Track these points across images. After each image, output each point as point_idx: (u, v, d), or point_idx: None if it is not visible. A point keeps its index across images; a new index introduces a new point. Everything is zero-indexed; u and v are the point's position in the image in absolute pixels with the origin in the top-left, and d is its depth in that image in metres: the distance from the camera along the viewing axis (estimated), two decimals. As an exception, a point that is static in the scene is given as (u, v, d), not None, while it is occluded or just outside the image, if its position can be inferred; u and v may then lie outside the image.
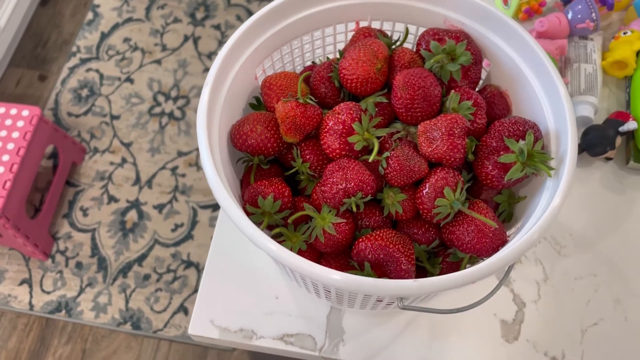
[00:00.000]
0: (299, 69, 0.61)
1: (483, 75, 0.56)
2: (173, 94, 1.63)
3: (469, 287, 0.56)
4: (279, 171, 0.54)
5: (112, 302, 1.37)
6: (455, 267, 0.49)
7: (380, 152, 0.49)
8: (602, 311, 0.59)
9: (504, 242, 0.47)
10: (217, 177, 0.44)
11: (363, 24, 0.57)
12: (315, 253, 0.51)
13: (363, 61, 0.50)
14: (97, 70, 1.68)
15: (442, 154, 0.47)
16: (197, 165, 1.53)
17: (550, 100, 0.49)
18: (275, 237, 0.50)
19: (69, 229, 1.45)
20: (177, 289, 1.38)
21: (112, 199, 1.49)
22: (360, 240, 0.47)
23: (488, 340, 0.58)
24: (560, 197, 0.43)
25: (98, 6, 1.79)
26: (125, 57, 1.69)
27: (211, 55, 1.69)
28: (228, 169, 0.50)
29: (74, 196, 1.50)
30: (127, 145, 1.56)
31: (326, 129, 0.49)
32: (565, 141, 0.46)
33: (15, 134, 1.28)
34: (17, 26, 1.71)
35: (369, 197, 0.48)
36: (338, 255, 0.51)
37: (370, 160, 0.48)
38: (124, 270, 1.40)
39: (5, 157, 1.26)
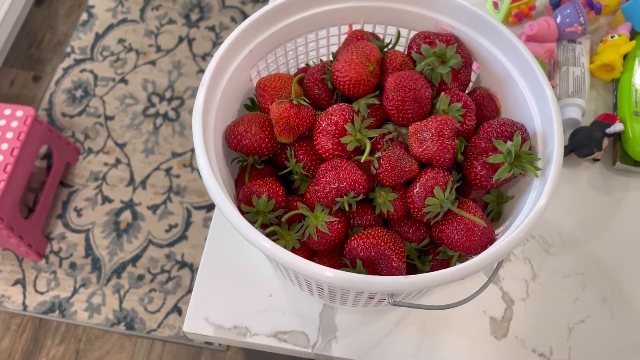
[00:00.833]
0: (293, 71, 0.62)
1: (473, 77, 0.58)
2: (167, 95, 1.64)
3: (460, 285, 0.58)
4: (273, 171, 0.55)
5: (106, 302, 1.37)
6: (445, 264, 0.51)
7: (372, 153, 0.50)
8: (589, 309, 0.60)
9: (492, 240, 0.48)
10: (212, 176, 0.45)
11: (356, 27, 0.59)
12: (308, 251, 0.52)
13: (356, 63, 0.52)
14: (91, 71, 1.68)
15: (432, 155, 0.48)
16: (191, 166, 1.54)
17: (538, 102, 0.50)
18: (269, 236, 0.52)
19: (62, 229, 1.46)
20: (171, 290, 1.38)
21: (106, 199, 1.50)
22: (353, 238, 0.48)
23: (478, 337, 0.59)
24: (547, 197, 0.44)
25: (92, 7, 1.79)
26: (119, 58, 1.70)
27: (206, 57, 1.70)
28: (223, 168, 0.51)
29: (68, 197, 1.50)
30: (122, 146, 1.57)
31: (319, 130, 0.50)
32: (551, 142, 0.47)
33: (9, 135, 1.28)
34: (11, 26, 1.71)
35: (361, 197, 0.49)
36: (331, 253, 0.52)
37: (362, 161, 0.49)
38: (118, 271, 1.41)
39: (-1, 158, 1.26)
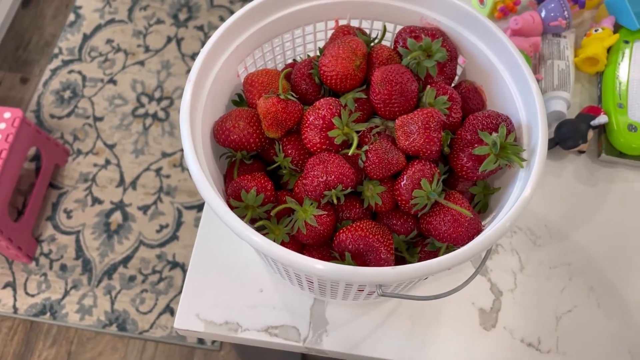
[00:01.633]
0: (280, 67, 0.62)
1: (459, 71, 0.58)
2: (157, 95, 1.63)
3: (449, 276, 0.58)
4: (262, 166, 0.56)
5: (98, 304, 1.36)
6: (433, 256, 0.51)
7: (359, 146, 0.51)
8: (576, 298, 0.61)
9: (479, 231, 0.48)
10: (200, 172, 0.45)
11: (342, 22, 0.59)
12: (297, 245, 0.52)
13: (342, 58, 0.52)
14: (79, 72, 1.67)
15: (418, 147, 0.49)
16: (181, 166, 1.53)
17: (522, 95, 0.51)
18: (258, 230, 0.52)
19: (52, 231, 1.45)
20: (162, 290, 1.38)
21: (96, 200, 1.49)
22: (341, 231, 0.48)
23: (467, 329, 0.59)
24: (531, 187, 0.45)
25: (80, 7, 1.78)
26: (107, 59, 1.69)
27: (194, 56, 1.70)
28: (211, 164, 0.51)
29: (58, 198, 1.49)
30: (111, 147, 1.56)
31: (307, 124, 0.50)
32: (536, 133, 0.48)
33: (-3, 136, 1.28)
34: (-3, 28, 1.70)
35: (349, 190, 0.49)
36: (320, 246, 0.52)
37: (350, 154, 0.49)
38: (109, 272, 1.40)
39: (-13, 159, 1.25)
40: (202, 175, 0.44)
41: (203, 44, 1.72)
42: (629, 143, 0.64)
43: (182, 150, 1.54)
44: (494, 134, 0.48)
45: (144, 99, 1.63)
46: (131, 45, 1.71)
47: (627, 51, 0.70)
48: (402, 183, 0.49)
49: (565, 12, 0.69)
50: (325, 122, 0.49)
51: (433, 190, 0.48)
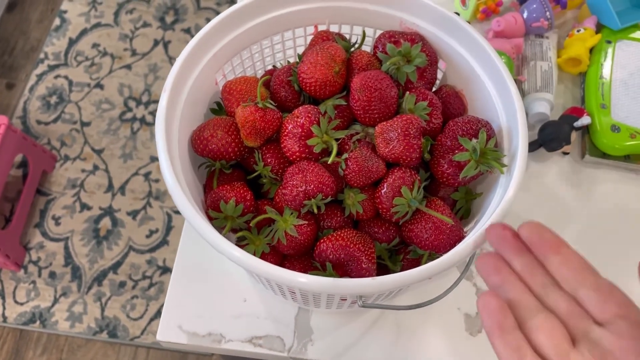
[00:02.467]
0: (260, 73, 0.62)
1: (440, 75, 0.58)
2: (144, 99, 1.62)
3: (435, 282, 0.58)
4: (242, 175, 0.55)
5: (88, 311, 1.36)
6: (416, 263, 0.51)
7: (339, 154, 0.50)
8: (561, 301, 0.61)
9: (460, 238, 0.48)
10: (176, 183, 0.44)
11: (322, 27, 0.58)
12: (278, 255, 0.52)
13: (321, 65, 0.51)
14: (65, 77, 1.66)
15: (398, 154, 0.48)
16: (170, 170, 1.52)
17: (502, 99, 0.50)
18: (239, 240, 0.51)
19: (41, 238, 1.44)
20: (153, 296, 1.37)
21: (84, 206, 1.48)
22: (322, 241, 0.48)
23: (453, 334, 0.59)
24: (512, 192, 0.44)
25: (65, 12, 1.77)
26: (94, 63, 1.68)
27: (182, 59, 1.69)
28: (190, 174, 0.50)
29: (46, 205, 1.48)
30: (99, 152, 1.55)
31: (286, 133, 0.50)
32: (516, 138, 0.47)
33: (-18, 144, 1.26)
34: (-19, 34, 1.68)
35: (329, 199, 0.49)
36: (301, 256, 0.51)
37: (329, 162, 0.48)
38: (99, 279, 1.39)
39: (-28, 168, 1.24)
40: (178, 187, 0.44)
41: (190, 46, 1.70)
42: (612, 144, 0.64)
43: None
44: (474, 140, 0.47)
45: (132, 103, 1.62)
46: (118, 49, 1.70)
47: (609, 51, 0.70)
48: (383, 191, 0.48)
49: (547, 13, 0.69)
50: (304, 131, 0.49)
51: (414, 198, 0.48)
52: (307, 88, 0.52)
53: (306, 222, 0.49)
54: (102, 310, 1.36)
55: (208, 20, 1.75)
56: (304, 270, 0.51)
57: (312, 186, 0.47)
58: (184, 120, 0.51)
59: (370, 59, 0.54)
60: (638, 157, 0.66)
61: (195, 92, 0.52)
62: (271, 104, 0.51)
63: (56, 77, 1.66)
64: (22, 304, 1.37)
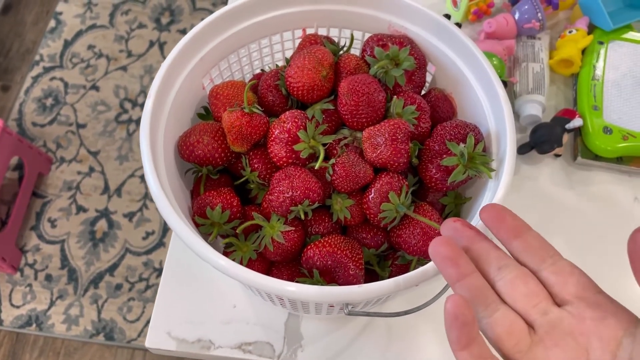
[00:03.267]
0: (248, 78, 0.61)
1: (429, 78, 0.57)
2: (140, 100, 1.62)
3: (426, 286, 0.57)
4: (229, 181, 0.54)
5: (84, 313, 1.35)
6: (405, 269, 0.50)
7: (327, 159, 0.50)
8: (553, 305, 0.60)
9: (448, 243, 0.47)
10: (160, 190, 0.44)
11: (310, 31, 0.58)
12: (266, 262, 0.51)
13: (308, 69, 0.51)
14: (61, 79, 1.65)
15: (386, 159, 0.48)
16: (166, 171, 1.52)
17: (491, 102, 0.50)
18: (226, 247, 0.51)
19: (37, 241, 1.43)
20: (150, 298, 1.37)
21: (80, 209, 1.47)
22: (309, 247, 0.47)
23: (445, 339, 0.58)
24: (500, 195, 0.44)
25: (60, 13, 1.76)
26: (90, 65, 1.67)
27: (178, 60, 1.68)
28: (176, 180, 0.50)
29: (42, 207, 1.47)
30: (95, 154, 1.54)
31: (272, 138, 0.49)
32: (504, 142, 0.47)
33: (-24, 147, 1.26)
34: (-24, 36, 1.68)
35: (316, 204, 0.48)
36: (288, 263, 0.51)
37: (316, 168, 0.48)
38: (95, 281, 1.39)
39: (-34, 171, 1.23)
40: (162, 193, 0.43)
41: (186, 47, 1.70)
42: (604, 146, 0.64)
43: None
44: (462, 145, 0.47)
45: (127, 105, 1.61)
46: (113, 50, 1.70)
47: (601, 52, 0.69)
48: (370, 196, 0.48)
49: (539, 14, 0.68)
50: (291, 136, 0.48)
51: (401, 203, 0.47)
52: (295, 92, 0.52)
53: (293, 228, 0.49)
54: (99, 312, 1.36)
55: (204, 21, 1.75)
56: (292, 277, 0.50)
57: (298, 192, 0.47)
58: (170, 125, 0.50)
59: (359, 63, 0.54)
60: (630, 159, 0.66)
61: (181, 96, 0.52)
62: (258, 108, 0.50)
63: (52, 79, 1.66)
64: (18, 307, 1.36)
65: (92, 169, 1.52)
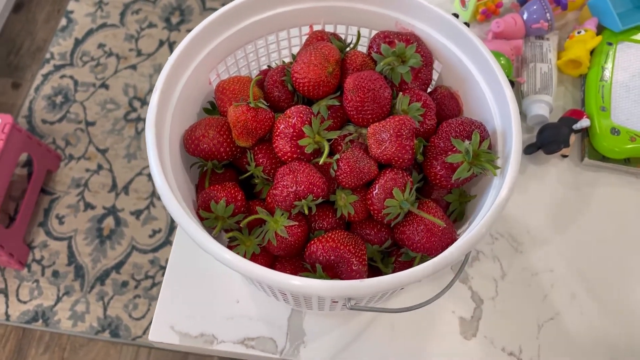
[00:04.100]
0: (254, 73, 0.61)
1: (435, 76, 0.57)
2: (149, 99, 1.62)
3: (430, 284, 0.57)
4: (234, 175, 0.55)
5: (90, 310, 1.36)
6: (408, 266, 0.50)
7: (332, 154, 0.50)
8: (558, 306, 0.60)
9: (452, 240, 0.47)
10: (166, 184, 0.44)
11: (317, 27, 0.58)
12: (269, 256, 0.51)
13: (314, 65, 0.51)
14: (71, 77, 1.67)
15: (391, 155, 0.48)
16: (173, 170, 1.53)
17: (497, 100, 0.50)
18: (230, 241, 0.51)
19: (44, 237, 1.44)
20: (155, 296, 1.37)
21: (88, 206, 1.48)
22: (312, 242, 0.47)
23: (447, 337, 0.58)
24: (504, 194, 0.44)
25: (72, 12, 1.78)
26: (99, 63, 1.69)
27: (187, 60, 1.69)
28: (181, 174, 0.50)
29: (50, 204, 1.48)
30: (103, 152, 1.55)
31: (278, 133, 0.49)
32: (510, 140, 0.47)
33: (-14, 143, 1.27)
34: (-11, 34, 1.70)
35: (320, 200, 0.48)
36: (292, 257, 0.51)
37: (320, 163, 0.48)
38: (102, 278, 1.40)
39: (-24, 167, 1.25)
40: (167, 186, 0.44)
41: (195, 47, 1.71)
42: (612, 147, 0.63)
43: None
44: (467, 142, 0.47)
45: (136, 103, 1.62)
46: (123, 49, 1.71)
47: (610, 53, 0.69)
48: (374, 192, 0.48)
49: (548, 14, 0.68)
50: (296, 131, 0.49)
51: (405, 200, 0.47)
52: (301, 88, 0.52)
53: (297, 223, 0.49)
54: (105, 309, 1.36)
55: (213, 21, 1.75)
56: (295, 272, 0.50)
57: (302, 187, 0.47)
58: (176, 119, 0.51)
59: (365, 60, 0.54)
60: (638, 161, 0.65)
61: (187, 91, 0.52)
62: (263, 103, 0.51)
63: (62, 77, 1.67)
64: (25, 302, 1.37)
65: (100, 167, 1.53)
